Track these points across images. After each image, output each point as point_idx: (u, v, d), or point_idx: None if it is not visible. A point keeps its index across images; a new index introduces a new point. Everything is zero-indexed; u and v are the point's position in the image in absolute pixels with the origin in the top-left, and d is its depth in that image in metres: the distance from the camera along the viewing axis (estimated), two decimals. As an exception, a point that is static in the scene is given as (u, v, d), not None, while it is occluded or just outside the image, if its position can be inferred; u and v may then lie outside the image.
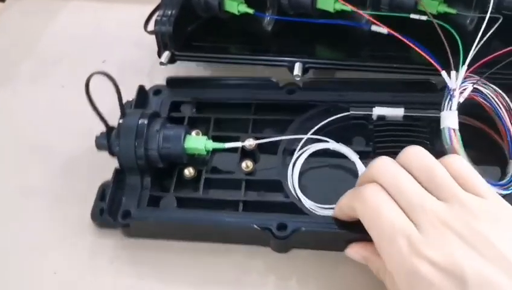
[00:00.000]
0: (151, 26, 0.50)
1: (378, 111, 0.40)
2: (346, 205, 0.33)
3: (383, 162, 0.32)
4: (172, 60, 0.47)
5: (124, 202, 0.38)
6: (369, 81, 0.43)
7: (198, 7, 0.48)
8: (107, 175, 0.39)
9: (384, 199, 0.30)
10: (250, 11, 0.47)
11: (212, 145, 0.39)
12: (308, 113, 0.41)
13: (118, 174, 0.39)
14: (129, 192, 0.39)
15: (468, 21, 0.43)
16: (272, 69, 0.46)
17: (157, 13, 0.48)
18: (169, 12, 0.47)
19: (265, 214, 0.37)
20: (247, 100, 0.44)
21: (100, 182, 0.40)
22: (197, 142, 0.39)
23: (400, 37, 0.39)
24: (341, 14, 0.45)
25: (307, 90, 0.43)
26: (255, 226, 0.35)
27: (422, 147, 0.32)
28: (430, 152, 0.32)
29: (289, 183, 0.38)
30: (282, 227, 0.35)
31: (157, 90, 0.45)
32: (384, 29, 0.42)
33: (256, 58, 0.46)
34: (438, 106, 0.36)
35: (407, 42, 0.39)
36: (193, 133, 0.41)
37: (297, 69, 0.44)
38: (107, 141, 0.38)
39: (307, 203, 0.37)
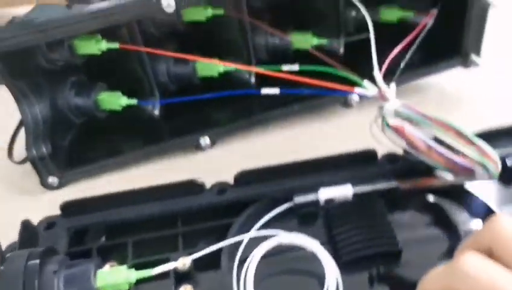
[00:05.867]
0: (19, 154, 0.43)
1: (324, 194, 0.35)
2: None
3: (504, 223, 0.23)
4: (62, 183, 0.42)
5: None
6: (309, 162, 0.37)
7: (70, 113, 0.44)
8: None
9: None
10: (133, 102, 0.43)
11: (135, 275, 0.31)
12: (247, 213, 0.35)
13: None
14: None
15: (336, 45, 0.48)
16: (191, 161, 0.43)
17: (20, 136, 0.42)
18: (38, 130, 0.41)
19: None
20: (169, 211, 0.36)
21: None
22: (114, 275, 0.30)
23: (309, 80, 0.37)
24: (226, 76, 0.44)
25: (240, 185, 0.37)
26: None
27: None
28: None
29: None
30: None
31: (50, 224, 0.36)
32: (275, 90, 0.41)
33: (153, 149, 0.44)
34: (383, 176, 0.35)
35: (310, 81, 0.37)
36: (106, 266, 0.32)
37: (203, 142, 0.44)
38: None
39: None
